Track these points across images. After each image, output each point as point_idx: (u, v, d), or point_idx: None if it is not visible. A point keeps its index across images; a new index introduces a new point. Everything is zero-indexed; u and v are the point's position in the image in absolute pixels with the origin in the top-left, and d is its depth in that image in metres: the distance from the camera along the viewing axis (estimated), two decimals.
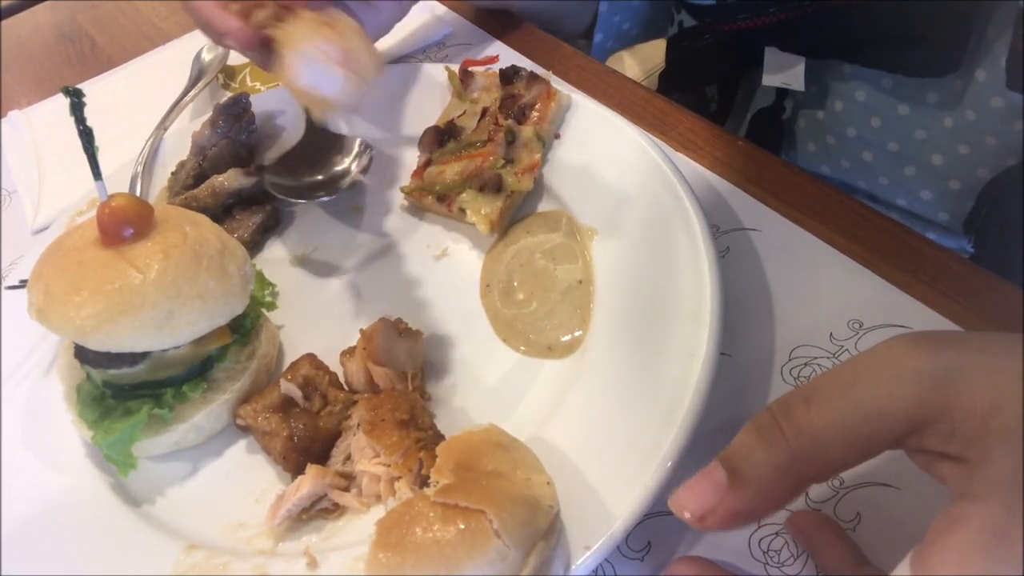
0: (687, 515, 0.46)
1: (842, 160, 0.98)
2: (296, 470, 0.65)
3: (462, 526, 0.50)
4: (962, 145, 0.85)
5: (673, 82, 1.13)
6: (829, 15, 0.84)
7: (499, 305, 0.75)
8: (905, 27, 0.80)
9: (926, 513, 0.41)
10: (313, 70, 0.61)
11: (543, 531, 0.53)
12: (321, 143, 0.90)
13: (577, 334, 0.71)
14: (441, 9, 1.13)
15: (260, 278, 0.79)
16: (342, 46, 0.63)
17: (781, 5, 0.85)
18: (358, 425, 0.65)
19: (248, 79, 1.13)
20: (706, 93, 1.10)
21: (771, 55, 0.92)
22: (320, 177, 0.87)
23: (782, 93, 0.97)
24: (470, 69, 0.92)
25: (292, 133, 0.95)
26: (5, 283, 0.84)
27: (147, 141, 0.97)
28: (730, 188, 0.82)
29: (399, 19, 1.00)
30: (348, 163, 0.88)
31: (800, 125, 0.99)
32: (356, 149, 0.89)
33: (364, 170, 0.87)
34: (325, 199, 0.85)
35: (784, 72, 0.92)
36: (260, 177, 0.87)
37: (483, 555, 0.49)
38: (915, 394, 0.42)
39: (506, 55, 1.02)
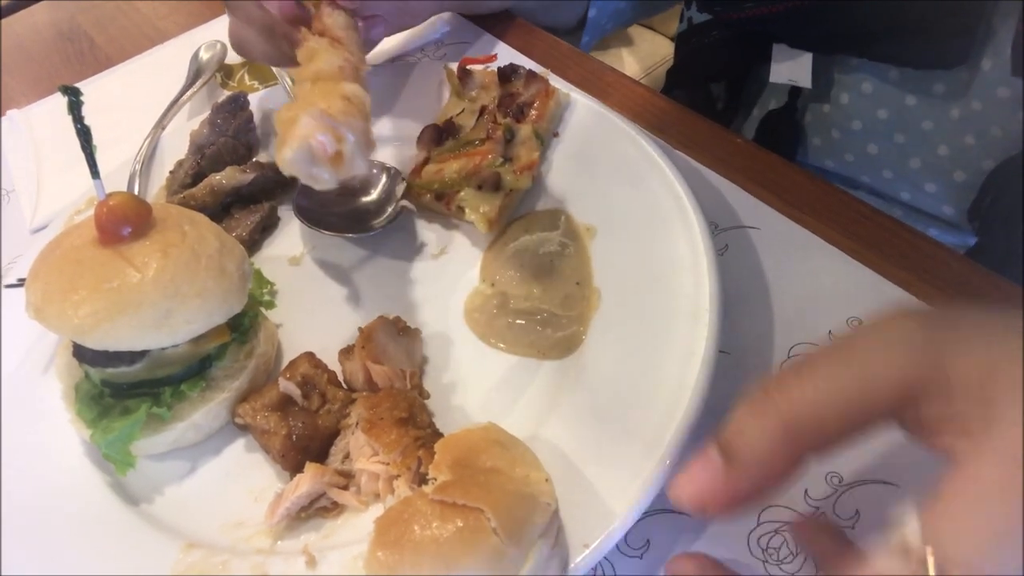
0: (688, 504, 0.44)
1: (846, 154, 0.97)
2: (295, 469, 0.65)
3: (460, 524, 0.50)
4: (968, 136, 0.85)
5: (681, 79, 1.13)
6: (837, 7, 0.84)
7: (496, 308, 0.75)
8: (913, 19, 0.80)
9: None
10: (303, 167, 0.61)
11: (542, 529, 0.53)
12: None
13: (576, 332, 0.71)
14: None
15: (258, 277, 0.79)
16: (338, 137, 0.63)
17: None
18: (357, 423, 0.65)
19: (246, 78, 1.13)
20: (712, 91, 1.11)
21: (779, 51, 0.92)
22: (349, 208, 0.85)
23: (795, 93, 0.97)
24: (469, 67, 0.92)
25: None
26: (3, 282, 0.84)
27: (145, 140, 0.97)
28: (729, 186, 0.82)
29: (421, 23, 1.01)
30: (376, 195, 0.85)
31: (806, 119, 0.99)
32: (384, 181, 0.86)
33: (396, 217, 0.83)
34: (352, 236, 0.83)
35: (791, 68, 0.92)
36: (258, 175, 0.87)
37: (481, 553, 0.49)
38: (909, 359, 0.41)
39: (505, 53, 1.02)
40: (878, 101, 0.90)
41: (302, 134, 0.60)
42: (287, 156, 0.60)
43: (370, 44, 0.92)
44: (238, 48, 0.90)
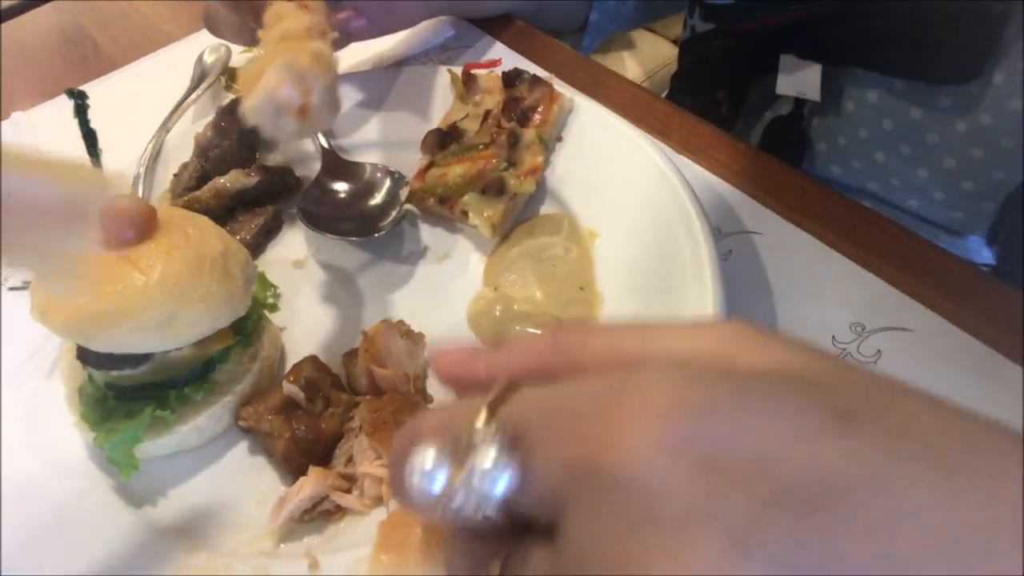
0: (437, 366, 0.40)
1: (853, 161, 0.97)
2: (298, 472, 0.65)
3: None
4: (976, 149, 0.84)
5: (685, 86, 1.14)
6: (849, 16, 0.83)
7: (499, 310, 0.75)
8: (928, 33, 0.80)
9: None
10: (268, 118, 0.61)
11: None
12: (343, 172, 0.88)
13: None
14: None
15: (262, 280, 0.80)
16: (305, 90, 0.62)
17: (802, 3, 0.84)
18: (360, 427, 0.65)
19: None
20: (717, 96, 1.10)
21: (787, 62, 0.91)
22: (352, 211, 0.85)
23: (800, 100, 0.96)
24: (473, 72, 0.92)
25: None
26: (7, 284, 0.85)
27: (149, 143, 0.97)
28: (732, 191, 0.82)
29: (409, 27, 1.01)
30: (380, 198, 0.85)
31: (812, 126, 0.99)
32: (387, 185, 0.86)
33: (399, 221, 0.83)
34: (355, 240, 0.83)
35: (799, 81, 0.91)
36: (262, 178, 0.88)
37: None
38: (704, 344, 0.33)
39: (509, 58, 1.02)
40: (883, 112, 0.89)
41: (269, 85, 0.61)
42: (252, 104, 0.61)
43: (347, 38, 0.93)
44: (208, 25, 0.91)
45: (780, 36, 0.91)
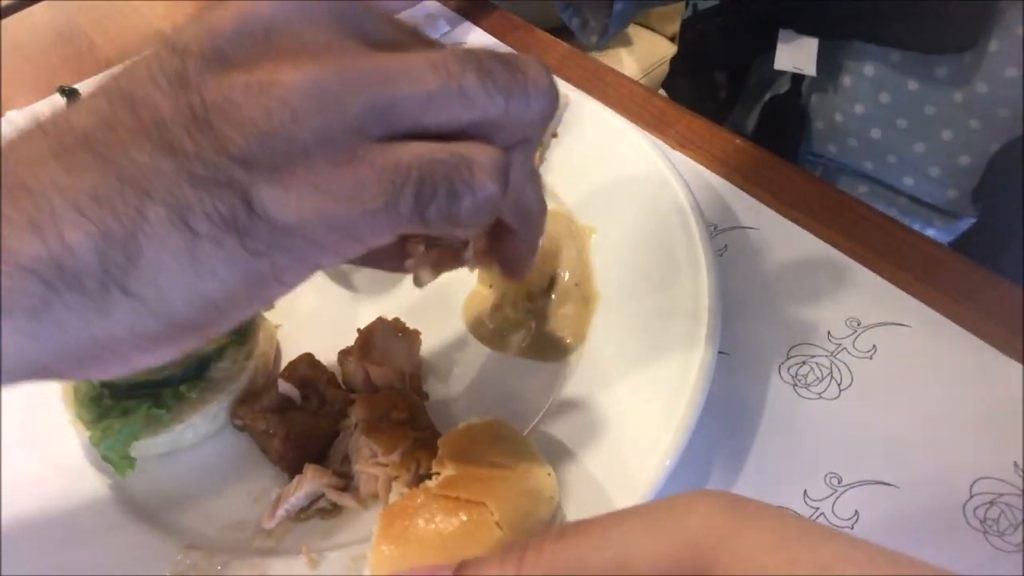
0: None
1: (849, 139, 0.97)
2: (294, 470, 0.65)
3: (464, 518, 0.50)
4: (973, 120, 0.84)
5: (685, 66, 1.13)
6: None
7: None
8: (924, 1, 0.79)
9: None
10: None
11: (545, 522, 0.53)
12: None
13: (575, 333, 0.71)
14: (438, 8, 1.13)
15: None
16: None
17: None
18: (356, 425, 0.65)
19: None
20: (716, 80, 1.10)
21: (785, 36, 0.91)
22: None
23: (798, 78, 0.96)
24: None
25: None
26: None
27: None
28: (728, 187, 0.82)
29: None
30: None
31: (809, 104, 0.98)
32: None
33: None
34: None
35: (796, 55, 0.90)
36: None
37: (485, 546, 0.50)
38: (670, 553, 0.34)
39: None
40: (880, 85, 0.89)
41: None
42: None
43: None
44: None
45: (780, 10, 0.90)
